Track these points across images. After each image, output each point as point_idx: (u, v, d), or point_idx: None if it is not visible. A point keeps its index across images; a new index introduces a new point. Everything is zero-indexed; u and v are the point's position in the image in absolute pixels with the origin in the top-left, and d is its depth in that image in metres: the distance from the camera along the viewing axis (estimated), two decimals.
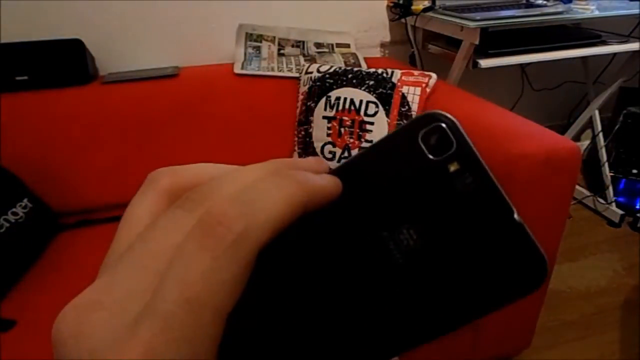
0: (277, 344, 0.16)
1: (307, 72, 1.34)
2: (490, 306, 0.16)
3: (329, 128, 1.28)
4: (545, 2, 1.49)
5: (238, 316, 0.15)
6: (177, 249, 0.14)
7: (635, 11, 1.42)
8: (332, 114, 1.28)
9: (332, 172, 0.18)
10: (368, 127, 1.24)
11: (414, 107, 1.21)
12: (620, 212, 1.73)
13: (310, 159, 0.19)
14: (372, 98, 1.24)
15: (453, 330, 0.16)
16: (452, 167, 0.16)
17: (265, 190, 0.15)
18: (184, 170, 0.18)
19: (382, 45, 1.68)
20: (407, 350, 0.16)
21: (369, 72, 1.27)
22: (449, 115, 0.17)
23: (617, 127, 1.80)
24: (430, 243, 0.16)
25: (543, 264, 0.16)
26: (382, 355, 0.16)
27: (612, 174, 1.79)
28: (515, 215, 0.16)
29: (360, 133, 1.25)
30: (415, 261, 0.16)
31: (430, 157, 0.17)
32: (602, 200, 1.79)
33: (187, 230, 0.14)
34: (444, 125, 0.17)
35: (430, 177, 0.16)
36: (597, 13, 1.42)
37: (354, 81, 1.27)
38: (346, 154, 1.27)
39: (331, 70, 1.31)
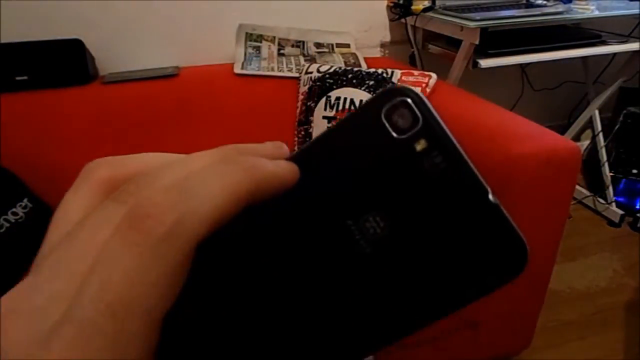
0: (226, 349, 0.15)
1: (307, 72, 1.34)
2: (469, 296, 0.15)
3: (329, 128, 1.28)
4: (545, 2, 1.49)
5: (178, 318, 0.13)
6: (103, 246, 0.13)
7: (635, 11, 1.42)
8: (332, 114, 1.28)
9: (289, 157, 0.16)
10: None
11: None
12: (620, 212, 1.72)
13: (268, 143, 0.17)
14: None
15: (430, 323, 0.15)
16: (419, 146, 0.15)
17: (206, 178, 0.14)
18: (124, 160, 0.16)
19: (382, 45, 1.68)
20: (382, 348, 0.15)
21: (369, 72, 1.27)
22: (413, 89, 0.15)
23: (617, 127, 1.80)
24: (399, 230, 0.15)
25: (522, 248, 0.14)
26: (354, 354, 0.15)
27: (612, 174, 1.79)
28: (490, 196, 0.15)
29: None
30: (384, 251, 0.15)
31: (395, 135, 0.15)
32: (602, 200, 1.79)
33: (116, 225, 0.13)
34: (408, 100, 0.15)
35: (395, 158, 0.15)
36: (597, 13, 1.42)
37: (354, 81, 1.27)
38: None
39: (331, 70, 1.31)
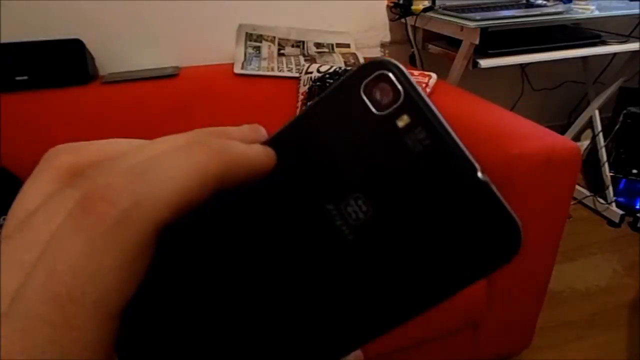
0: (194, 344, 0.14)
1: (307, 72, 1.34)
2: (461, 281, 0.14)
3: None
4: (545, 2, 1.49)
5: (141, 310, 0.12)
6: (53, 233, 0.12)
7: (635, 11, 1.42)
8: None
9: (266, 141, 0.15)
10: None
11: None
12: (620, 212, 1.72)
13: (244, 126, 0.16)
14: None
15: (421, 312, 0.14)
16: (401, 122, 0.14)
17: (170, 159, 0.13)
18: (86, 146, 0.15)
19: (382, 45, 1.68)
20: (369, 340, 0.14)
21: None
22: (393, 61, 0.14)
23: (617, 127, 1.80)
24: (383, 213, 0.14)
25: (515, 228, 0.13)
26: (339, 349, 0.14)
27: (612, 174, 1.79)
28: (479, 174, 0.13)
29: None
30: (368, 236, 0.14)
31: (375, 111, 0.14)
32: (602, 200, 1.79)
33: (69, 210, 0.12)
34: (389, 73, 0.14)
35: (377, 136, 0.14)
36: (597, 13, 1.42)
37: None
38: None
39: (331, 70, 1.31)
